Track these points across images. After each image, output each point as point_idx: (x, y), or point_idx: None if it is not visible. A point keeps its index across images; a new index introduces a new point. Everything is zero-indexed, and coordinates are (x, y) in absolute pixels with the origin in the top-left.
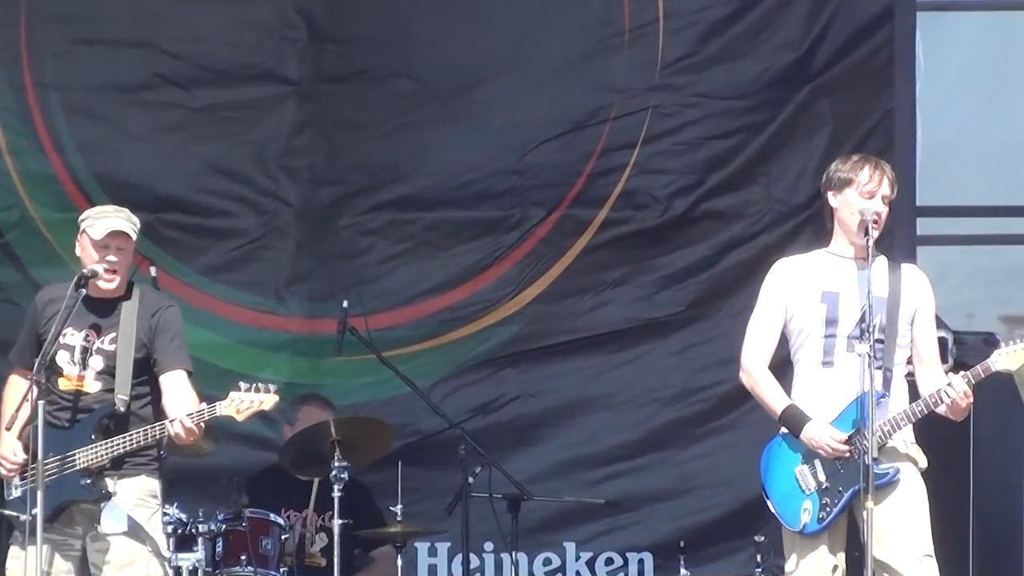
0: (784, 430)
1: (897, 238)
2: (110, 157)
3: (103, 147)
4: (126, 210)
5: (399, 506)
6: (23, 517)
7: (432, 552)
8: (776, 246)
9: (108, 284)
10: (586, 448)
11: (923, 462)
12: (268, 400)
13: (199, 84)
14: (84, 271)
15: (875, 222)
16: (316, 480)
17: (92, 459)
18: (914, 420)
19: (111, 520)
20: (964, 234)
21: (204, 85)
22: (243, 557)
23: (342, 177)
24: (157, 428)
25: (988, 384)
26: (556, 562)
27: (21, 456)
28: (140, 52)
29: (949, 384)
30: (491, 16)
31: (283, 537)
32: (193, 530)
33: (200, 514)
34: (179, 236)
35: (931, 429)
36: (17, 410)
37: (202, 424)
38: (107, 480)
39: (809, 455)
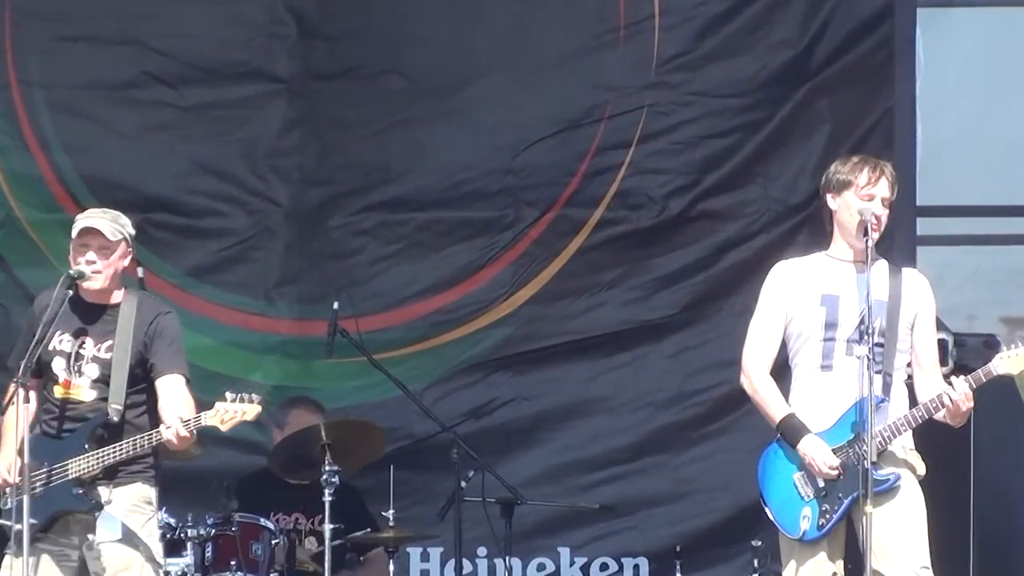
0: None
1: (897, 238)
2: (97, 156)
3: (89, 146)
4: (115, 212)
5: (391, 511)
6: (16, 527)
7: (424, 557)
8: (774, 247)
9: (92, 284)
10: (580, 452)
11: (921, 469)
12: (251, 411)
13: (187, 82)
14: (70, 271)
15: (874, 225)
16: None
17: (84, 469)
18: (914, 425)
19: (105, 528)
20: (965, 234)
21: (192, 83)
22: (233, 562)
23: (332, 177)
24: (150, 437)
25: (989, 389)
26: (550, 567)
27: (16, 470)
28: (127, 50)
29: (950, 387)
30: (484, 13)
31: (273, 542)
32: (182, 535)
33: (189, 519)
34: (167, 237)
35: (931, 435)
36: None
37: (194, 431)
38: (101, 489)
39: None
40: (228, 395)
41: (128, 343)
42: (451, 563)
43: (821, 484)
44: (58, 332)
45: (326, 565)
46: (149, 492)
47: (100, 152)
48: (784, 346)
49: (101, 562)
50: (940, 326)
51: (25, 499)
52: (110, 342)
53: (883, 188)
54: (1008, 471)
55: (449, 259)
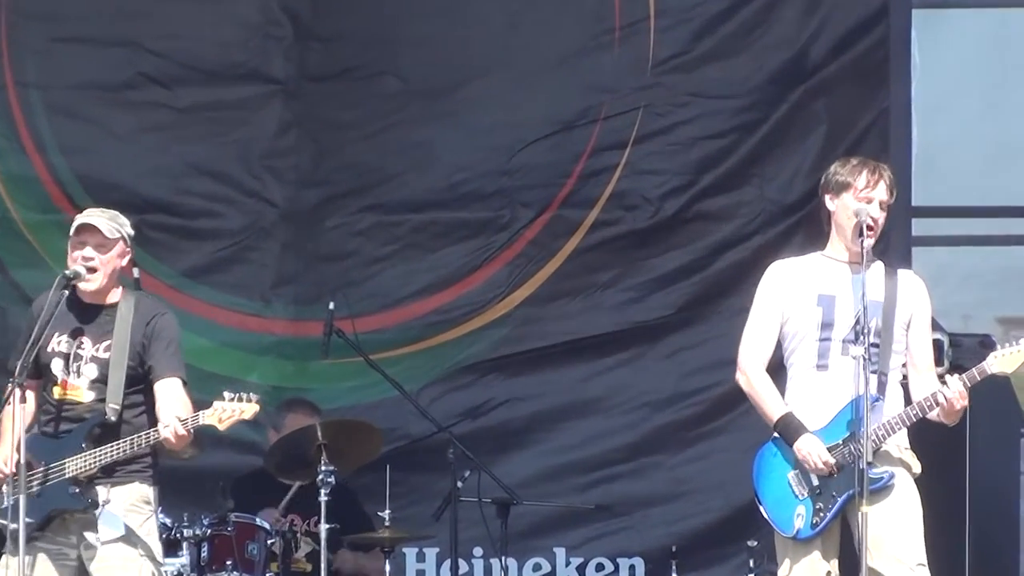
0: (776, 434)
1: (892, 239)
2: (93, 157)
3: (85, 147)
4: (113, 212)
5: (387, 511)
6: (11, 526)
7: (420, 557)
8: (769, 248)
9: (88, 285)
10: (576, 453)
11: (916, 467)
12: (249, 410)
13: (183, 83)
14: (66, 272)
15: (871, 227)
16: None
17: (81, 468)
18: (909, 424)
19: (107, 527)
20: (960, 235)
21: (188, 84)
22: (228, 562)
23: (328, 178)
24: (148, 435)
25: (984, 388)
26: (546, 567)
27: (12, 463)
28: (123, 51)
29: (945, 385)
30: (479, 14)
31: (269, 542)
32: (178, 535)
33: (185, 518)
34: (163, 237)
35: (926, 434)
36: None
37: (191, 430)
38: (99, 488)
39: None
40: (226, 394)
41: (126, 343)
42: (447, 563)
43: (815, 483)
44: (56, 333)
45: (322, 566)
46: (147, 492)
47: (96, 153)
48: (780, 345)
49: (99, 561)
50: (936, 327)
51: (21, 498)
52: (108, 342)
53: (881, 191)
54: (1003, 469)
55: (445, 260)
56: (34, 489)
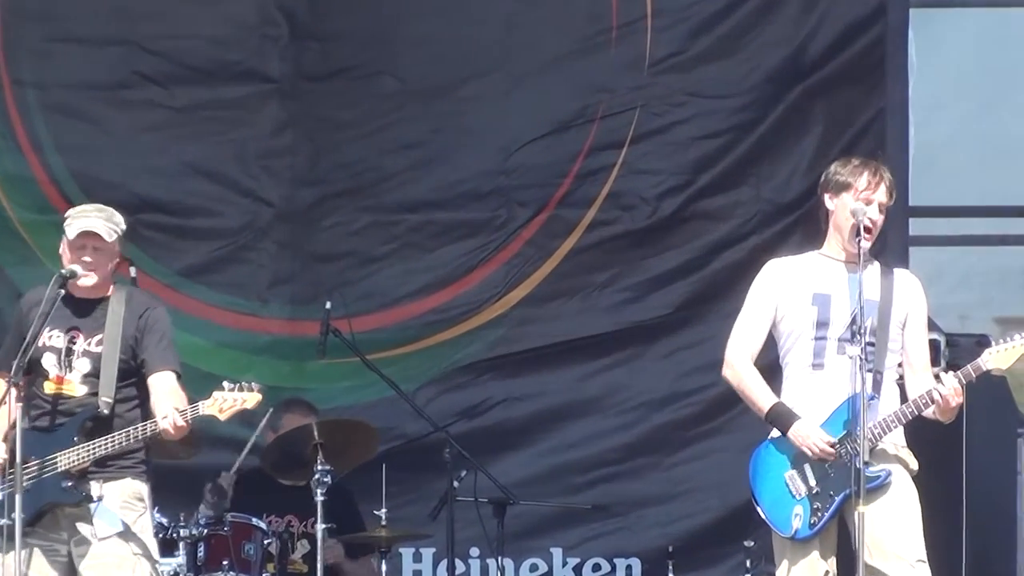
0: (773, 435)
1: (889, 239)
2: (89, 157)
3: (82, 147)
4: (109, 209)
5: (383, 510)
6: (2, 521)
7: (417, 558)
8: (766, 247)
9: (85, 282)
10: (573, 453)
11: (914, 465)
12: (251, 399)
13: (179, 83)
14: (63, 271)
15: (868, 229)
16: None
17: (74, 461)
18: (904, 422)
19: (103, 522)
20: (957, 235)
21: (184, 84)
22: (225, 562)
23: (324, 177)
24: (145, 427)
25: (980, 386)
26: (543, 567)
27: (1, 460)
28: (119, 50)
29: (940, 382)
30: (476, 14)
31: (265, 542)
32: (174, 534)
33: (181, 518)
34: (159, 237)
35: (923, 432)
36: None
37: (189, 422)
38: (92, 483)
39: (798, 460)
40: (226, 384)
41: (118, 337)
42: (443, 563)
43: (812, 482)
44: (48, 328)
45: (319, 566)
46: (140, 488)
47: (92, 152)
48: (775, 345)
49: (92, 559)
50: (932, 326)
51: (17, 496)
52: (100, 336)
53: (882, 194)
54: (999, 467)
55: (442, 260)
56: (26, 484)
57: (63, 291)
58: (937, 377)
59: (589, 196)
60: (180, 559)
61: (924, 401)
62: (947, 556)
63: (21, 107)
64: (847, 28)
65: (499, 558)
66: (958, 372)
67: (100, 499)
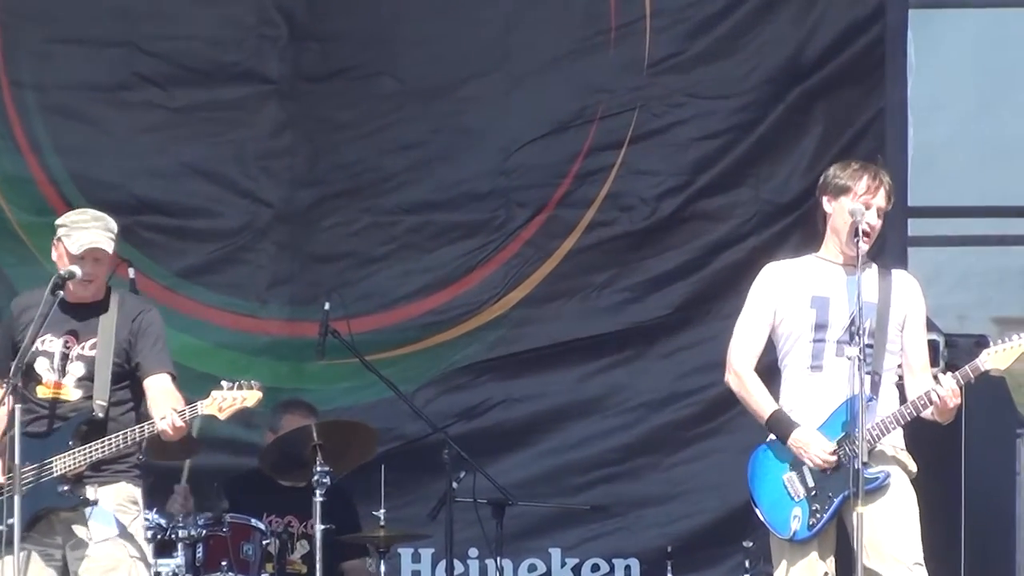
0: (771, 437)
1: (888, 239)
2: (88, 158)
3: (81, 148)
4: (104, 216)
5: (382, 511)
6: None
7: (416, 558)
8: (765, 248)
9: (83, 292)
10: (572, 453)
11: (912, 467)
12: (252, 397)
13: (178, 84)
14: (61, 272)
15: (867, 233)
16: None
17: (69, 465)
18: (902, 423)
19: (99, 525)
20: (956, 235)
21: (183, 85)
22: (224, 563)
23: (323, 178)
24: (143, 429)
25: (979, 387)
26: (541, 568)
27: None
28: (118, 51)
29: (938, 383)
30: (475, 14)
31: (264, 543)
32: (173, 535)
33: (180, 519)
34: (158, 238)
35: (921, 433)
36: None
37: (188, 422)
38: (88, 488)
39: (797, 462)
40: (224, 383)
41: (111, 340)
42: (442, 564)
43: (811, 484)
44: (39, 332)
45: (317, 567)
46: (134, 491)
47: (91, 154)
48: (774, 347)
49: (87, 562)
50: (931, 327)
51: (16, 499)
52: (93, 340)
53: (880, 198)
54: (998, 468)
55: (441, 260)
56: (23, 489)
57: (61, 293)
58: (936, 378)
59: (588, 197)
60: (179, 560)
61: (923, 402)
62: (946, 556)
63: (20, 108)
64: (846, 29)
65: (498, 559)
66: (956, 373)
67: (96, 503)
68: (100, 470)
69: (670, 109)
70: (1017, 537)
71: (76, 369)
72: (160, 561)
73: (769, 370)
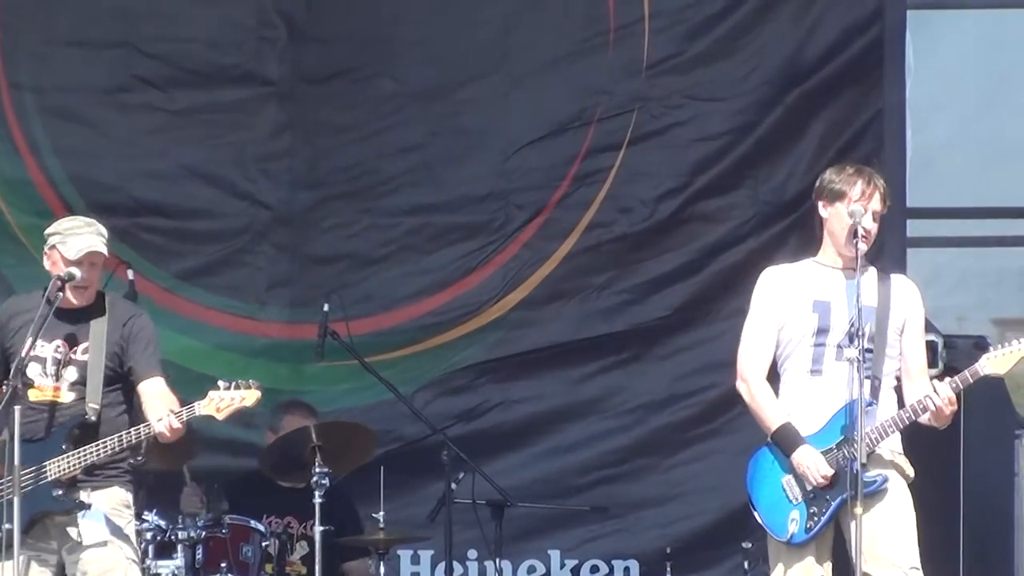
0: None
1: (887, 240)
2: (87, 160)
3: (80, 150)
4: (94, 222)
5: (381, 513)
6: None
7: (415, 560)
8: (764, 249)
9: (79, 297)
10: (571, 454)
11: (910, 472)
12: (250, 396)
13: (177, 85)
14: (60, 275)
15: (864, 236)
16: None
17: (63, 469)
18: (901, 427)
19: (92, 529)
20: (955, 236)
21: (182, 87)
22: (223, 564)
23: (323, 180)
24: (139, 431)
25: (978, 390)
26: (541, 569)
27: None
28: (117, 53)
29: (934, 390)
30: (474, 16)
31: (264, 544)
32: (172, 537)
33: (179, 521)
34: (157, 240)
35: (921, 435)
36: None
37: (184, 423)
38: (81, 492)
39: None
40: (221, 383)
41: (103, 344)
42: (441, 565)
43: (809, 487)
44: (30, 337)
45: (317, 568)
46: (126, 495)
47: (90, 156)
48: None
49: (83, 565)
50: (930, 328)
51: (16, 500)
52: (85, 344)
53: (876, 202)
54: (998, 471)
55: (440, 262)
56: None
57: (61, 295)
58: (933, 385)
59: (587, 198)
60: (179, 561)
61: (920, 407)
62: (945, 557)
63: (19, 110)
64: (845, 30)
65: (497, 560)
66: (955, 378)
67: (89, 506)
68: (93, 474)
69: (669, 111)
70: (1016, 538)
71: (69, 374)
72: (160, 563)
73: (769, 371)
